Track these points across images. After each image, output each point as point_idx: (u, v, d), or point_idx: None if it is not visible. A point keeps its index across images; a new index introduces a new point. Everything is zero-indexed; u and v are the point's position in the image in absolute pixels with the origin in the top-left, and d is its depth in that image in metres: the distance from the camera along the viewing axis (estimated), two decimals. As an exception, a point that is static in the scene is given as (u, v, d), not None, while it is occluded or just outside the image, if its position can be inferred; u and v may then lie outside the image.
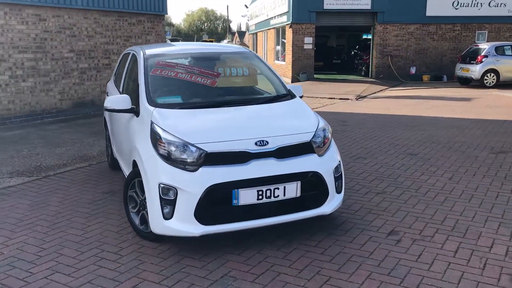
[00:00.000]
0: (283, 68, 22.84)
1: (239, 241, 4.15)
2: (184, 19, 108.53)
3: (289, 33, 21.39)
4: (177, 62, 5.04)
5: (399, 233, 4.35)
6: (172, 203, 3.77)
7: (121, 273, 3.66)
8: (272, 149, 3.96)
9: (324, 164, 4.19)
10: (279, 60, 24.69)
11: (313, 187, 4.12)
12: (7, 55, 10.03)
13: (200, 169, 3.79)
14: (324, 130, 4.39)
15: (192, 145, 3.84)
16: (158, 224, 3.86)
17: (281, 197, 3.94)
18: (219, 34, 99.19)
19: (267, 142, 3.96)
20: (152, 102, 4.41)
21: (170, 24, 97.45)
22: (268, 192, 3.88)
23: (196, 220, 3.76)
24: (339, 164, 4.38)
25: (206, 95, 4.72)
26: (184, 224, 3.78)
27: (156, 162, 3.90)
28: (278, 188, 3.91)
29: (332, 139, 4.54)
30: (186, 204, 3.74)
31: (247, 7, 36.88)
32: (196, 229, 3.77)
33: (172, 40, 33.68)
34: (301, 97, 5.18)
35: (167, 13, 13.85)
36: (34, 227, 4.56)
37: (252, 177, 3.83)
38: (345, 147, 7.80)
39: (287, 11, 21.39)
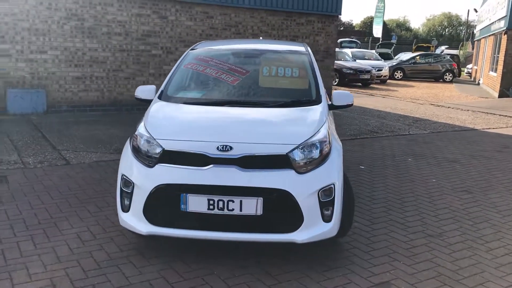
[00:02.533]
0: (494, 80, 19.96)
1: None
2: (423, 24, 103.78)
3: (503, 40, 18.55)
4: (215, 57, 4.91)
5: None
6: (130, 196, 3.71)
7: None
8: (235, 157, 3.54)
9: (302, 183, 3.56)
10: (492, 70, 21.64)
11: (283, 208, 3.55)
12: (174, 48, 11.22)
13: (157, 166, 3.65)
14: (321, 143, 3.72)
15: (154, 140, 3.72)
16: (119, 216, 3.85)
17: (237, 212, 3.50)
18: (460, 40, 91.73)
19: (231, 148, 3.56)
20: (164, 95, 4.44)
21: (408, 29, 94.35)
22: (221, 203, 3.50)
23: (144, 218, 3.64)
24: (333, 187, 3.65)
25: (220, 92, 4.52)
26: (135, 220, 3.69)
27: (127, 153, 3.91)
28: (232, 201, 3.49)
29: (337, 156, 3.81)
30: (138, 200, 3.65)
31: (476, 11, 33.27)
32: (144, 227, 3.65)
33: (382, 45, 32.06)
34: (345, 106, 4.51)
35: (340, 14, 13.49)
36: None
37: (203, 184, 3.50)
38: None
39: (505, 16, 18.55)
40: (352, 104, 4.68)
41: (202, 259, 3.76)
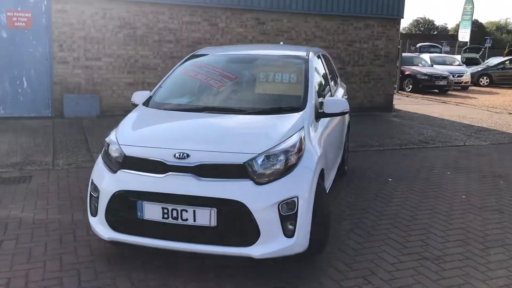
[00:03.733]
0: None
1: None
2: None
3: None
4: (210, 63, 4.84)
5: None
6: (97, 201, 3.74)
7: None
8: (191, 165, 3.43)
9: (260, 195, 3.36)
10: None
11: (238, 221, 3.37)
12: (224, 54, 11.31)
13: (119, 172, 3.64)
14: (286, 152, 3.50)
15: (118, 145, 3.71)
16: (89, 220, 3.88)
17: (190, 222, 3.39)
18: None
19: (187, 156, 3.45)
20: (150, 102, 4.46)
21: (509, 32, 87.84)
22: (175, 212, 3.40)
23: (106, 223, 3.63)
24: (296, 200, 3.40)
25: (204, 99, 4.45)
26: (99, 224, 3.71)
27: (99, 158, 3.94)
28: (186, 211, 3.38)
29: (308, 166, 3.55)
30: (101, 205, 3.66)
31: None
32: (106, 232, 3.65)
33: (470, 50, 29.77)
34: (338, 114, 4.25)
35: (403, 17, 12.82)
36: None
37: (158, 191, 3.43)
38: None
39: None
40: (347, 112, 4.38)
41: (161, 268, 3.68)
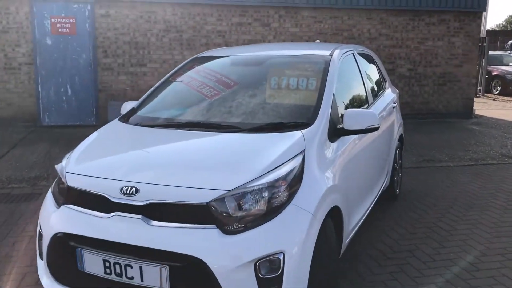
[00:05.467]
0: None
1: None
2: None
3: None
4: (210, 67, 3.95)
5: None
6: (41, 242, 2.99)
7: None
8: (140, 203, 2.56)
9: (227, 249, 2.43)
10: None
11: (197, 284, 2.44)
12: (277, 56, 10.38)
13: (62, 207, 2.86)
14: (270, 188, 2.53)
15: (64, 172, 2.93)
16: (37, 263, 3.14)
17: (137, 282, 2.53)
18: None
19: (136, 191, 2.59)
20: (129, 115, 3.66)
21: None
22: (118, 267, 2.56)
23: (48, 271, 2.87)
24: (281, 257, 2.42)
25: (191, 111, 3.56)
26: (42, 271, 2.95)
27: (50, 188, 3.18)
28: (131, 266, 2.52)
29: (303, 208, 2.56)
30: (44, 248, 2.90)
31: None
32: (46, 282, 2.89)
33: None
34: (364, 131, 3.20)
35: (485, 10, 11.14)
36: None
37: (98, 237, 2.60)
38: None
39: None
40: (375, 128, 3.28)
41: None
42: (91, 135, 3.42)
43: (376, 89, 4.65)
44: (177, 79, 3.89)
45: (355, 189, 3.49)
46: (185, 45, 9.96)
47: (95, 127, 10.56)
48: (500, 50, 25.80)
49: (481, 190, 5.78)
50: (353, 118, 3.21)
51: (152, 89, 3.97)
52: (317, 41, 5.17)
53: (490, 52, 17.63)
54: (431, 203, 5.24)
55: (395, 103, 5.07)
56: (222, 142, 3.00)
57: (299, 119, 3.18)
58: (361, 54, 4.55)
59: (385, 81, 5.18)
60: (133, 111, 3.73)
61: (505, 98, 16.52)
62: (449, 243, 4.19)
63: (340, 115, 3.37)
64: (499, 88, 17.58)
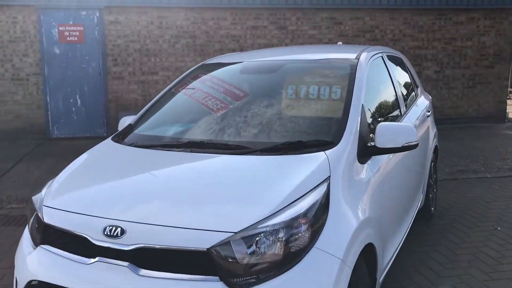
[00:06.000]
0: None
1: None
2: None
3: None
4: (218, 75, 3.43)
5: None
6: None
7: None
8: (127, 248, 2.06)
9: None
10: None
11: None
12: (295, 61, 9.85)
13: (38, 248, 2.37)
14: (287, 229, 2.00)
15: (42, 206, 2.45)
16: None
17: None
18: None
19: (122, 232, 2.09)
20: (125, 133, 3.16)
21: None
22: (97, 330, 2.05)
23: (24, 326, 2.39)
24: None
25: (194, 128, 3.02)
26: None
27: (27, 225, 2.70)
28: None
29: (329, 253, 2.03)
30: (18, 297, 2.42)
31: None
32: None
33: None
34: (400, 149, 2.64)
35: (518, 6, 10.42)
36: None
37: None
38: None
39: None
40: (414, 145, 2.72)
41: None
42: (78, 158, 2.93)
43: (408, 96, 4.08)
44: (180, 91, 3.38)
45: (390, 216, 2.94)
46: (198, 51, 9.50)
47: (106, 139, 9.93)
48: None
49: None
50: (386, 134, 2.65)
51: (151, 102, 3.48)
52: (339, 43, 4.63)
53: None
54: (472, 223, 4.63)
55: (429, 111, 4.49)
56: (228, 168, 2.47)
57: (322, 137, 2.64)
58: (390, 57, 3.98)
59: (417, 87, 4.60)
60: (129, 128, 3.23)
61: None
62: (499, 274, 3.60)
63: (369, 129, 2.82)
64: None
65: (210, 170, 2.48)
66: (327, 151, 2.42)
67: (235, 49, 9.55)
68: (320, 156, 2.38)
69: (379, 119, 3.10)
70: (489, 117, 10.68)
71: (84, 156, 2.94)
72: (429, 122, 4.45)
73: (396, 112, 3.50)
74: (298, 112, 3.01)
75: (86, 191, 2.51)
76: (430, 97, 5.03)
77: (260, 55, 3.95)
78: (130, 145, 2.91)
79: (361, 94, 2.88)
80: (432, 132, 4.53)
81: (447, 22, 10.31)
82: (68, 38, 8.97)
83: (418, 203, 4.01)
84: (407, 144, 2.66)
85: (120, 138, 3.09)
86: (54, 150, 8.27)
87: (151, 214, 2.14)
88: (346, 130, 2.60)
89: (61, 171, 2.85)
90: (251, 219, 2.00)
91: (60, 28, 8.92)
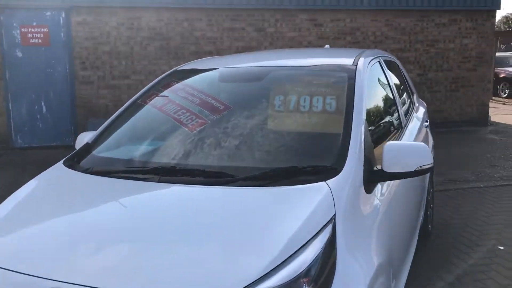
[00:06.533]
0: None
1: None
2: None
3: None
4: (193, 84, 2.96)
5: None
6: None
7: None
8: None
9: None
10: None
11: None
12: (275, 64, 9.42)
13: None
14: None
15: None
16: None
17: None
18: None
19: None
20: (82, 154, 2.63)
21: None
22: None
23: None
24: None
25: (163, 149, 2.53)
26: None
27: None
28: None
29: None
30: None
31: None
32: None
33: None
34: (413, 174, 2.21)
35: (499, 8, 10.23)
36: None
37: None
38: None
39: None
40: (429, 169, 2.28)
41: None
42: (22, 188, 2.40)
43: (408, 106, 3.67)
44: (148, 102, 2.88)
45: (399, 244, 2.52)
46: (172, 54, 8.98)
47: (73, 148, 9.27)
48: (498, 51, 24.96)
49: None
50: (396, 156, 2.20)
51: (113, 117, 2.96)
52: (327, 46, 4.22)
53: (497, 54, 16.76)
54: (473, 242, 4.26)
55: (427, 121, 4.11)
56: (205, 209, 1.95)
57: (321, 161, 2.18)
58: (387, 62, 3.57)
59: (413, 94, 4.21)
60: (86, 148, 2.70)
61: (514, 102, 15.61)
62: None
63: (373, 149, 2.39)
64: (507, 91, 16.70)
65: (181, 210, 1.97)
66: (329, 181, 1.96)
67: (211, 51, 9.06)
68: (322, 188, 1.92)
69: (383, 136, 2.68)
70: (472, 121, 10.45)
71: (31, 186, 2.40)
72: (428, 133, 4.07)
73: (398, 126, 3.08)
74: (290, 129, 2.55)
75: (25, 238, 1.98)
76: (425, 105, 4.65)
77: (241, 60, 3.47)
78: (86, 170, 2.39)
79: (363, 105, 2.45)
80: (430, 144, 4.15)
81: (429, 23, 10.04)
82: (31, 41, 8.34)
83: (419, 223, 3.61)
84: (420, 168, 2.22)
85: (75, 161, 2.56)
86: (17, 160, 7.66)
87: (111, 271, 1.65)
88: (349, 151, 2.14)
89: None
90: (235, 285, 1.53)
91: (23, 30, 8.28)
